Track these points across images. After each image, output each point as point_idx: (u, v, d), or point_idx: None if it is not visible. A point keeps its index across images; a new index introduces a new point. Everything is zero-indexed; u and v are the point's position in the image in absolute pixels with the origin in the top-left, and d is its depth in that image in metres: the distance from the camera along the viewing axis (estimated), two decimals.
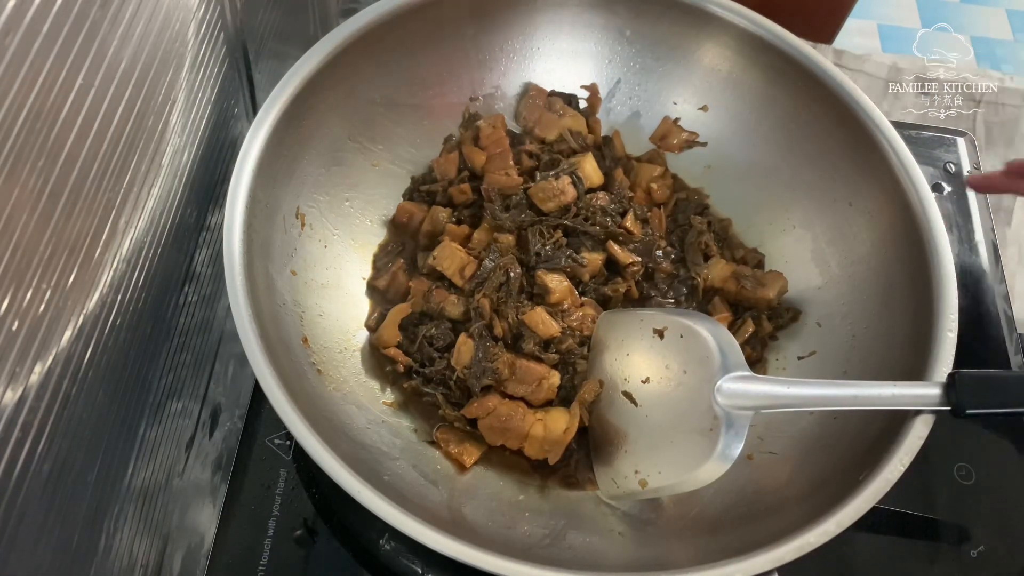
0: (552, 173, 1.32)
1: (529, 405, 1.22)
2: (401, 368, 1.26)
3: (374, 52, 1.31)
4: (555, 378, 1.22)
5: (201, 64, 1.17)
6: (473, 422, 1.22)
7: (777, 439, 1.23)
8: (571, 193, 1.31)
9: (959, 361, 1.10)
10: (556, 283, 1.26)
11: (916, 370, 1.11)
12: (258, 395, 1.26)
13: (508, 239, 1.31)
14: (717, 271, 1.36)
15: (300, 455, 1.22)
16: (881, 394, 1.04)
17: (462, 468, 1.19)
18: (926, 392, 1.05)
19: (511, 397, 1.22)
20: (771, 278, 1.35)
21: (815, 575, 1.07)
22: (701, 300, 1.36)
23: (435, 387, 1.24)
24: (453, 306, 1.27)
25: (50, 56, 0.78)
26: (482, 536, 1.05)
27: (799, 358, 1.31)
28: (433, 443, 1.21)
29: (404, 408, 1.24)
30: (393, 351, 1.27)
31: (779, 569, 0.96)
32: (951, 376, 1.06)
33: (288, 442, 1.23)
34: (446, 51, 1.42)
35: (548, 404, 1.24)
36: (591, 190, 1.34)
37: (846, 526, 0.98)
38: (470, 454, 1.20)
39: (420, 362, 1.26)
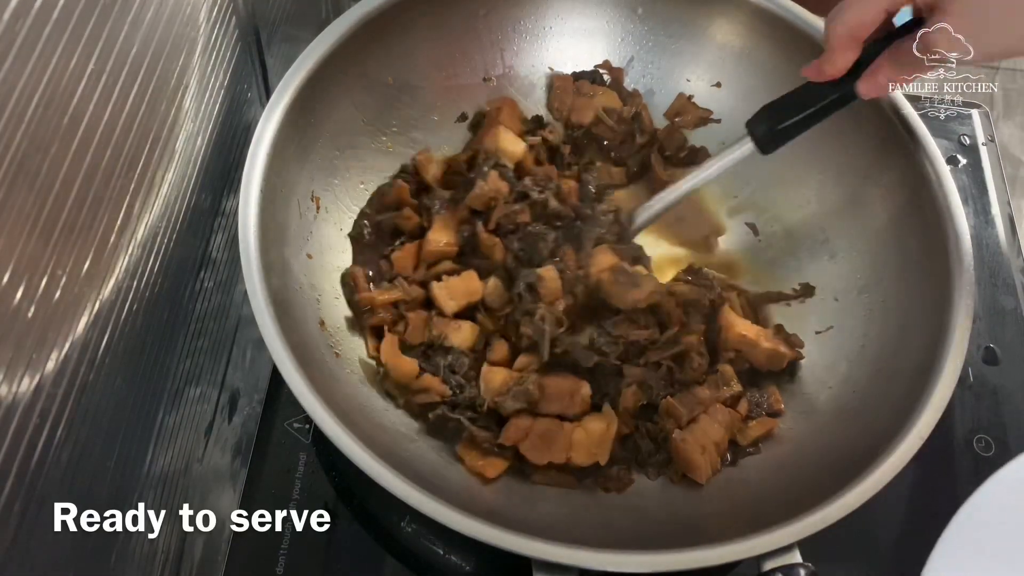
0: (476, 173, 1.34)
1: (564, 420, 1.20)
2: (437, 398, 1.21)
3: (386, 34, 1.31)
4: (585, 388, 1.21)
5: (213, 48, 1.17)
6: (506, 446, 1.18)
7: (796, 416, 1.23)
8: (504, 188, 1.32)
9: (975, 335, 1.11)
10: (549, 273, 1.26)
11: (934, 342, 1.11)
12: (276, 379, 1.26)
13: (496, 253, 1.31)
14: None
15: (320, 438, 1.22)
16: (713, 165, 1.28)
17: (485, 480, 1.17)
18: (740, 148, 1.25)
19: (545, 416, 1.20)
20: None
21: (835, 549, 1.07)
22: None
23: (462, 412, 1.20)
24: (456, 333, 1.25)
25: (61, 42, 0.78)
26: (501, 515, 1.05)
27: (816, 332, 1.31)
28: (457, 460, 1.19)
29: (428, 434, 1.23)
30: (428, 380, 1.21)
31: (799, 543, 0.96)
32: (747, 125, 1.24)
33: (307, 426, 1.23)
34: (458, 32, 1.41)
35: (584, 414, 1.21)
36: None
37: (866, 499, 0.98)
38: (494, 467, 1.17)
39: (453, 391, 1.22)
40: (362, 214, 1.34)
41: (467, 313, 1.28)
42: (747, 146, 1.23)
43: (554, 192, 1.32)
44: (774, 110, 1.20)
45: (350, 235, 1.33)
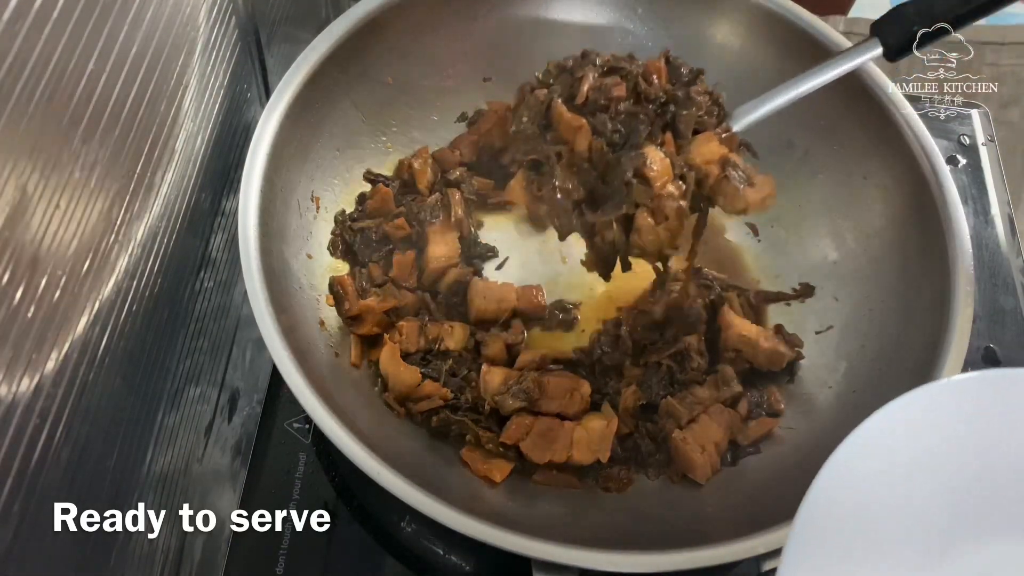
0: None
1: (565, 418, 1.21)
2: (440, 402, 1.21)
3: (386, 34, 1.31)
4: (585, 387, 1.21)
5: (213, 48, 1.17)
6: (508, 445, 1.19)
7: (796, 416, 1.23)
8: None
9: (976, 333, 1.10)
10: (656, 154, 1.08)
11: (934, 342, 1.11)
12: (276, 379, 1.26)
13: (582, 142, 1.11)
14: None
15: (319, 438, 1.22)
16: (834, 68, 1.17)
17: (492, 484, 1.17)
18: (865, 53, 1.16)
19: (545, 415, 1.20)
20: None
21: None
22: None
23: (464, 414, 1.20)
24: (449, 336, 1.25)
25: (61, 42, 0.78)
26: (502, 515, 1.05)
27: (816, 332, 1.31)
28: (462, 463, 1.19)
29: (429, 436, 1.22)
30: (429, 386, 1.21)
31: None
32: (873, 28, 1.16)
33: (307, 426, 1.23)
34: (458, 32, 1.41)
35: (583, 413, 1.22)
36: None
37: None
38: (500, 469, 1.17)
39: (454, 394, 1.23)
40: (340, 221, 1.34)
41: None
42: (874, 51, 1.16)
43: (641, 72, 1.14)
44: (908, 13, 1.13)
45: (331, 242, 1.33)
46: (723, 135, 1.12)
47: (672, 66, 1.16)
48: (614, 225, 1.10)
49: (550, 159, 1.11)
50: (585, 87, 1.10)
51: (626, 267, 1.16)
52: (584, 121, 1.09)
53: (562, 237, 1.17)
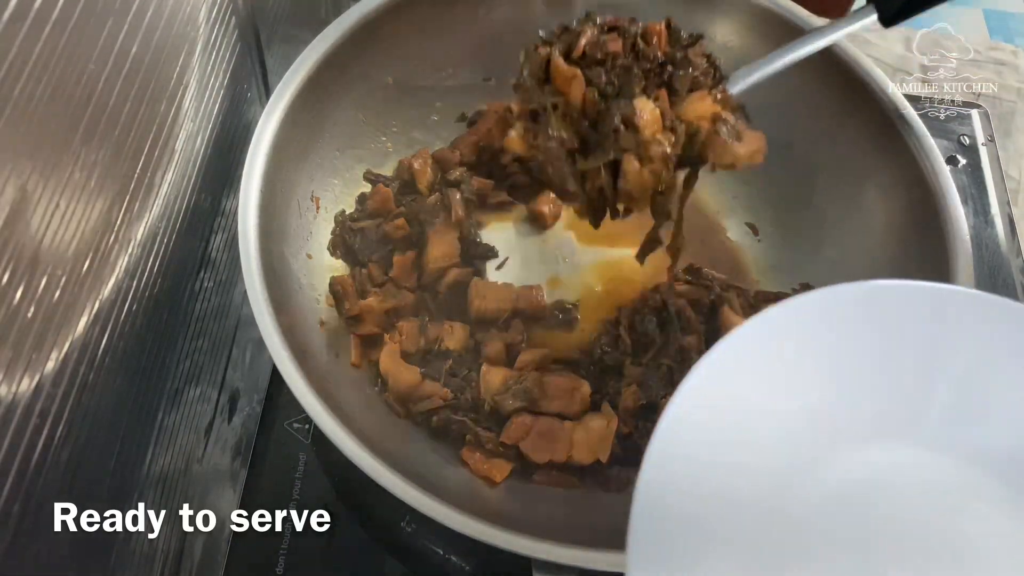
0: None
1: (564, 418, 1.21)
2: (440, 402, 1.21)
3: (386, 34, 1.31)
4: (585, 387, 1.22)
5: (213, 48, 1.17)
6: (508, 445, 1.19)
7: None
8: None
9: None
10: (646, 105, 1.07)
11: None
12: (276, 379, 1.26)
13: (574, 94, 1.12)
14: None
15: (319, 438, 1.22)
16: (828, 35, 1.19)
17: (492, 484, 1.17)
18: (862, 19, 1.18)
19: (545, 414, 1.20)
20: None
21: None
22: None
23: (464, 414, 1.21)
24: (449, 336, 1.25)
25: (61, 42, 0.78)
26: (502, 515, 1.05)
27: None
28: (462, 463, 1.19)
29: (429, 437, 1.23)
30: (429, 386, 1.22)
31: None
32: None
33: (307, 426, 1.23)
34: (458, 32, 1.41)
35: (583, 413, 1.22)
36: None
37: None
38: (500, 469, 1.17)
39: (454, 394, 1.23)
40: (340, 221, 1.35)
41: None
42: (869, 18, 1.19)
43: (640, 33, 1.13)
44: None
45: (331, 242, 1.33)
46: (718, 95, 1.12)
47: (672, 30, 1.16)
48: (602, 171, 1.10)
49: (546, 109, 1.11)
50: (582, 41, 1.10)
51: (615, 214, 1.15)
52: (578, 71, 1.08)
53: (559, 189, 1.15)
